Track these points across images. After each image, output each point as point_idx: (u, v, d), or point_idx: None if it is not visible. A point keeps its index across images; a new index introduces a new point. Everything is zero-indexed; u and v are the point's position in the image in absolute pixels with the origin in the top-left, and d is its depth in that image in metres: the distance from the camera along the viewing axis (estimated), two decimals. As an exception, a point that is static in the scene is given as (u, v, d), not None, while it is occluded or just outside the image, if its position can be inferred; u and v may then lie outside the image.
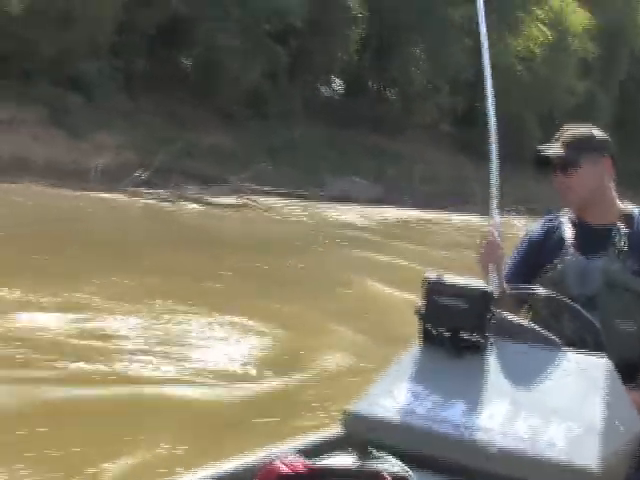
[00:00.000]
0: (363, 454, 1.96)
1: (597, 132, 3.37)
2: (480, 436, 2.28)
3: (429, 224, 26.79)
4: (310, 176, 30.82)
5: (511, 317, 2.80)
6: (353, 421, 2.46)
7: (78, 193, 22.05)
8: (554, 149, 3.29)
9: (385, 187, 33.90)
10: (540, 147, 3.39)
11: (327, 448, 2.63)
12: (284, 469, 1.88)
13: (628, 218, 3.26)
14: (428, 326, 2.55)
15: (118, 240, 15.04)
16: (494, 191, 3.62)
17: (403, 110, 41.91)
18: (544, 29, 44.93)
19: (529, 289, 3.05)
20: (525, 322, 2.82)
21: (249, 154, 30.67)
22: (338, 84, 43.33)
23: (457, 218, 28.29)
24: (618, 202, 3.37)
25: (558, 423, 2.28)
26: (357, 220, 24.91)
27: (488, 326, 2.53)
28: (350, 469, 1.88)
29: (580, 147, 3.25)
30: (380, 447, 2.02)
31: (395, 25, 40.63)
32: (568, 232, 3.33)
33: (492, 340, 2.55)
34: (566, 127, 3.39)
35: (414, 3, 40.53)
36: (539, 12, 45.45)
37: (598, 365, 2.45)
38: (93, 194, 22.56)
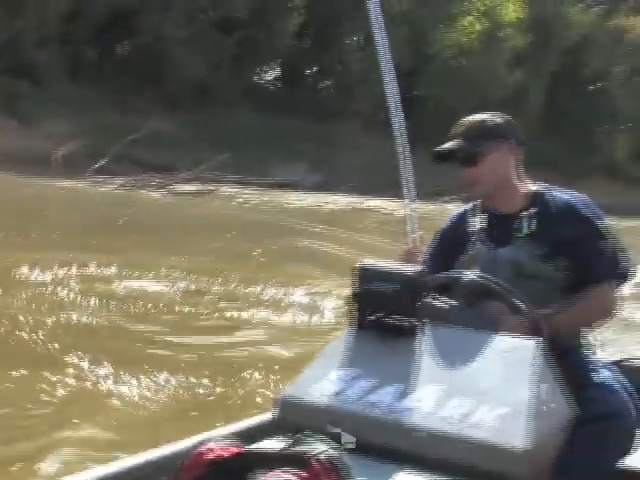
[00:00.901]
0: (295, 438, 1.93)
1: (496, 118, 3.21)
2: (410, 419, 2.30)
3: (367, 210, 27.62)
4: (255, 164, 31.48)
5: (442, 301, 2.80)
6: (286, 406, 2.49)
7: (44, 181, 22.56)
8: (454, 142, 3.14)
9: (326, 174, 34.73)
10: (440, 147, 3.20)
11: (260, 433, 2.65)
12: (213, 454, 1.87)
13: (537, 199, 3.16)
14: (360, 311, 2.56)
15: (132, 226, 15.90)
16: (409, 190, 3.62)
17: (341, 98, 42.80)
18: (478, 21, 46.24)
19: (457, 274, 2.96)
20: (456, 305, 2.82)
21: (196, 142, 31.36)
22: (279, 73, 44.09)
23: (394, 204, 29.23)
24: (529, 185, 3.23)
25: (488, 405, 2.29)
26: (302, 207, 25.68)
27: (419, 310, 2.53)
28: (279, 452, 1.86)
29: (481, 136, 3.12)
30: (312, 430, 2.00)
31: (333, 14, 41.57)
32: (478, 222, 3.23)
33: (423, 323, 2.55)
34: (463, 120, 3.24)
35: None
36: (473, 4, 46.66)
37: (529, 347, 2.45)
38: (59, 182, 23.06)
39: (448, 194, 33.49)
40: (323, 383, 2.45)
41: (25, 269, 10.02)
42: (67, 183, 23.06)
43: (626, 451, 2.76)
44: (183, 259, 12.11)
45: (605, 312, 3.02)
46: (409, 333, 2.50)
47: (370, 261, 2.61)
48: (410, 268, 2.57)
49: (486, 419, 2.24)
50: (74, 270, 10.28)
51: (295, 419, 2.40)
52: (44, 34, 29.13)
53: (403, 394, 2.36)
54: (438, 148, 3.14)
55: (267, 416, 2.81)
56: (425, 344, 2.50)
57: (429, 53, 45.46)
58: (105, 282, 9.97)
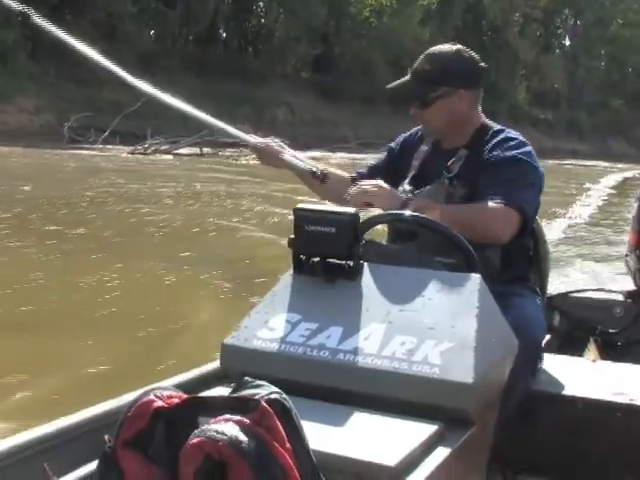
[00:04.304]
0: (239, 384, 1.82)
1: (458, 59, 2.98)
2: (356, 359, 2.27)
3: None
4: (197, 125, 33.81)
5: (381, 241, 2.82)
6: (230, 354, 2.44)
7: (67, 152, 24.61)
8: (407, 81, 2.99)
9: (265, 132, 37.48)
10: (395, 83, 3.04)
11: (206, 382, 2.64)
12: (159, 402, 1.77)
13: (476, 138, 3.00)
14: (299, 255, 2.51)
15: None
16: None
17: (265, 61, 45.66)
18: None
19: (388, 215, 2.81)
20: (395, 246, 2.84)
21: (147, 109, 33.82)
22: (207, 40, 46.60)
23: (336, 156, 31.94)
24: (488, 125, 3.05)
25: (432, 341, 2.27)
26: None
27: (358, 251, 2.47)
28: (225, 397, 1.76)
29: (434, 79, 2.94)
30: (257, 377, 1.85)
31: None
32: (417, 156, 3.12)
33: (364, 264, 2.50)
34: (428, 52, 3.01)
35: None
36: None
37: (470, 282, 2.43)
38: (82, 152, 25.32)
39: (376, 146, 36.70)
40: (266, 329, 2.42)
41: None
42: (86, 152, 25.51)
43: (533, 371, 2.84)
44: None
45: (487, 226, 2.76)
46: (349, 275, 2.47)
47: (307, 204, 2.55)
48: (346, 209, 2.49)
49: (431, 355, 2.23)
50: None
51: (239, 366, 2.35)
52: (7, 15, 31.24)
53: (347, 335, 2.34)
54: (390, 85, 3.04)
55: (211, 365, 2.79)
56: (366, 285, 2.47)
57: (346, 14, 48.46)
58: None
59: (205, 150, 29.01)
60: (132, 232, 11.09)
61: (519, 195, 2.79)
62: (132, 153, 26.88)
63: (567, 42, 79.09)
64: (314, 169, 3.09)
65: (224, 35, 47.19)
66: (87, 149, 27.08)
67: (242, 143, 3.36)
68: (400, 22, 48.68)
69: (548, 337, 2.98)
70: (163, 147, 28.52)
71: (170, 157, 27.10)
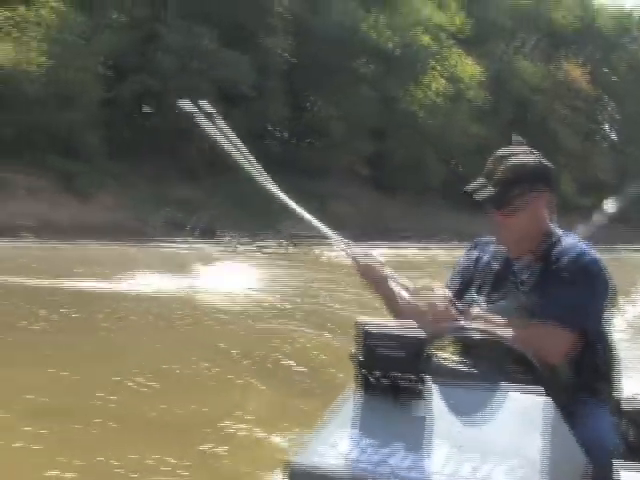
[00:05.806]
0: None
1: (534, 162, 2.90)
2: (419, 478, 2.26)
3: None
4: (271, 221, 34.64)
5: (447, 361, 2.83)
6: (296, 474, 2.38)
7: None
8: (487, 190, 2.89)
9: (331, 226, 38.77)
10: (471, 186, 2.95)
11: None
12: None
13: (548, 248, 2.94)
14: (365, 372, 2.52)
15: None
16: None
17: (325, 157, 47.56)
18: (443, 81, 51.81)
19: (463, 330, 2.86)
20: (461, 366, 2.82)
21: (218, 206, 35.67)
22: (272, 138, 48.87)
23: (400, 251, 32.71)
24: (553, 232, 2.99)
25: (499, 463, 2.25)
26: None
27: (425, 371, 2.49)
28: None
29: (516, 185, 2.85)
30: None
31: (307, 81, 47.22)
32: (481, 265, 3.09)
33: (430, 383, 2.52)
34: (499, 154, 2.94)
35: (322, 60, 46.44)
36: (439, 67, 52.21)
37: (538, 403, 2.43)
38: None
39: (435, 239, 37.98)
40: (332, 448, 2.39)
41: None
42: (178, 249, 26.96)
43: None
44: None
45: (539, 348, 2.75)
46: (416, 394, 2.48)
47: (371, 321, 2.55)
48: (414, 332, 2.49)
49: (495, 474, 2.22)
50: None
51: None
52: (92, 120, 33.63)
53: (414, 456, 2.32)
54: (477, 197, 2.93)
55: None
56: (432, 404, 2.47)
57: (398, 111, 50.49)
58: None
59: (286, 245, 30.50)
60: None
61: (581, 311, 2.82)
62: (224, 251, 28.11)
63: (609, 130, 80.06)
64: (410, 287, 3.08)
65: (281, 132, 49.23)
66: (175, 245, 28.41)
67: (343, 252, 3.34)
68: (449, 117, 50.84)
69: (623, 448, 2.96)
70: (253, 245, 30.31)
71: (259, 254, 28.22)
